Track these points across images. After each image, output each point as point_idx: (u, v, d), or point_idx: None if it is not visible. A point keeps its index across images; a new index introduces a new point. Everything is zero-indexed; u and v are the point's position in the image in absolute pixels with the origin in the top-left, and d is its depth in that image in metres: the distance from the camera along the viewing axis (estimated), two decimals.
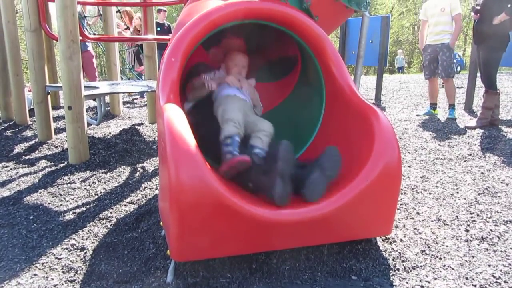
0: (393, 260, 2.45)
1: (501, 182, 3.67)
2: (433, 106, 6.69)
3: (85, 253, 2.57)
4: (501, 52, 5.44)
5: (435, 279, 2.27)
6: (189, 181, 1.98)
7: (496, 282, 2.24)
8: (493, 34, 5.36)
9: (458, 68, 18.55)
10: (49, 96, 5.00)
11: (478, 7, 5.51)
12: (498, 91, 5.66)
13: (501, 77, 10.38)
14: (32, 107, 5.85)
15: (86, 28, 6.95)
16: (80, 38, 4.19)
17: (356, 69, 3.70)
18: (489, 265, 2.39)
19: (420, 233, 2.78)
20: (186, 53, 2.53)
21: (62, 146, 4.80)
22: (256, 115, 3.02)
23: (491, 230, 2.81)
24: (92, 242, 2.70)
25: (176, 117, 2.17)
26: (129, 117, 6.63)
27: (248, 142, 2.65)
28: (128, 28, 8.59)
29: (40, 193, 3.49)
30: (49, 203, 3.29)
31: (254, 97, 3.07)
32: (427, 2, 6.56)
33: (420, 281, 2.26)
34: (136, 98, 8.71)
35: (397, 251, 2.54)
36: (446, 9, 6.10)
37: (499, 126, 5.64)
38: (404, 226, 2.89)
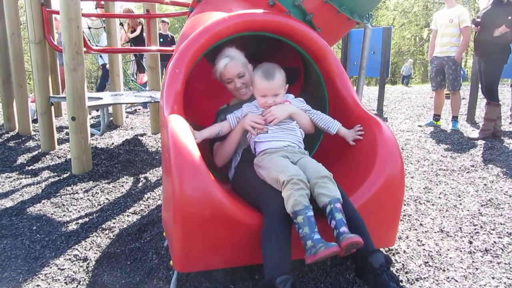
0: (396, 271, 2.44)
1: (504, 194, 3.66)
2: (436, 117, 6.71)
3: (88, 263, 2.57)
4: (502, 64, 5.46)
5: None
6: (193, 192, 1.98)
7: None
8: (494, 46, 5.39)
9: (461, 80, 18.53)
10: (52, 107, 5.03)
11: (479, 19, 5.55)
12: (499, 103, 5.67)
13: (503, 88, 10.39)
14: (35, 117, 5.89)
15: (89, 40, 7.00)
16: (85, 49, 4.23)
17: (358, 80, 3.72)
18: (493, 278, 2.38)
19: (423, 245, 2.77)
20: (190, 65, 2.55)
21: (65, 157, 4.82)
22: (301, 152, 2.47)
23: (494, 242, 2.80)
24: (95, 253, 2.70)
25: (181, 128, 2.18)
26: (132, 128, 6.65)
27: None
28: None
29: (43, 203, 3.49)
30: (52, 214, 3.29)
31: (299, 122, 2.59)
32: (438, 12, 6.61)
33: None
34: (140, 109, 8.75)
35: (400, 262, 2.53)
36: (455, 21, 6.12)
37: (502, 138, 5.64)
38: (407, 237, 2.88)
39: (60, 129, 6.24)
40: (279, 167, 2.17)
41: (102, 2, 6.73)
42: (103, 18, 6.94)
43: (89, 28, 7.38)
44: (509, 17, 5.19)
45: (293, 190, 2.00)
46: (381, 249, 2.60)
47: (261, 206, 2.15)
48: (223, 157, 2.64)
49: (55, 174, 4.26)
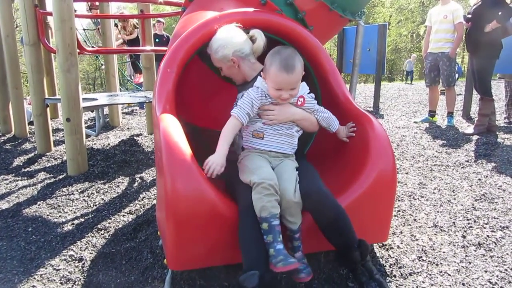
0: (390, 266, 2.46)
1: (498, 188, 3.68)
2: (432, 113, 6.73)
3: (83, 263, 2.58)
4: (494, 60, 5.50)
5: (432, 285, 2.28)
6: (185, 191, 1.99)
7: (493, 287, 2.25)
8: (485, 41, 5.43)
9: (456, 76, 18.51)
10: (47, 109, 5.03)
11: (470, 16, 5.58)
12: (493, 98, 5.70)
13: (499, 84, 10.41)
14: (31, 119, 5.89)
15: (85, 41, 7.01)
16: (78, 51, 4.24)
17: (352, 77, 3.74)
18: (485, 271, 2.40)
19: (417, 240, 2.79)
20: (182, 64, 2.56)
21: (61, 158, 4.82)
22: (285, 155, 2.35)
23: (487, 236, 2.82)
24: (90, 253, 2.71)
25: (172, 128, 2.19)
26: (128, 128, 6.66)
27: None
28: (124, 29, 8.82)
29: (39, 205, 3.50)
30: (47, 215, 3.30)
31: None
32: (433, 9, 6.64)
33: (417, 287, 2.26)
34: (136, 109, 8.76)
35: (394, 257, 2.55)
36: (449, 17, 6.15)
37: (496, 133, 5.66)
38: (401, 232, 2.90)
39: (56, 131, 6.24)
40: (254, 169, 2.15)
41: (97, 3, 6.73)
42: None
43: (84, 29, 7.38)
44: (499, 13, 5.22)
45: (262, 195, 2.02)
46: (374, 244, 2.63)
47: (237, 202, 2.16)
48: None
49: (51, 175, 4.27)
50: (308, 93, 2.40)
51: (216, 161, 2.10)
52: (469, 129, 5.85)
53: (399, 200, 3.46)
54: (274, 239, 1.99)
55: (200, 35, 2.58)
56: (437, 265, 2.48)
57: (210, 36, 2.62)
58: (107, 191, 3.79)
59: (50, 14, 4.65)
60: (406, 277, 2.36)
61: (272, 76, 2.18)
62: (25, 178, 4.22)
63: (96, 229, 3.04)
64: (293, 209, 2.10)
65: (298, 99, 2.33)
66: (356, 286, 2.25)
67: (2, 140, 5.69)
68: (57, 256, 2.67)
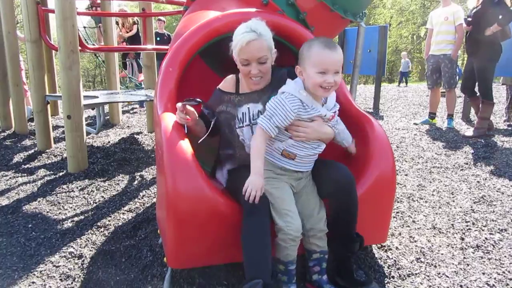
0: (388, 267, 2.47)
1: (497, 191, 3.69)
2: (432, 115, 6.74)
3: (83, 261, 2.59)
4: (494, 62, 5.53)
5: (430, 286, 2.29)
6: (185, 190, 2.00)
7: None
8: (486, 44, 5.45)
9: (457, 78, 18.27)
10: (48, 105, 5.04)
11: (470, 19, 5.60)
12: (494, 102, 5.73)
13: (499, 86, 10.44)
14: (31, 116, 5.90)
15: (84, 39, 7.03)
16: (80, 48, 4.25)
17: (352, 78, 3.75)
18: (483, 273, 2.41)
19: (415, 241, 2.80)
20: (184, 63, 2.57)
21: (61, 155, 4.83)
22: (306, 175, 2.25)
23: (486, 238, 2.83)
24: (90, 250, 2.72)
25: (174, 127, 2.20)
26: (128, 126, 6.67)
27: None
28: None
29: (39, 201, 3.51)
30: (47, 212, 3.31)
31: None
32: (434, 11, 6.68)
33: None
34: (136, 107, 8.76)
35: (392, 258, 2.56)
36: (450, 18, 6.18)
37: (496, 135, 5.67)
38: (400, 234, 2.91)
39: (56, 127, 6.25)
40: (281, 209, 2.02)
41: (98, 1, 6.74)
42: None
43: (84, 27, 7.39)
44: (500, 16, 5.25)
45: (287, 244, 2.01)
46: (373, 245, 2.64)
47: (239, 201, 2.08)
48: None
49: (51, 172, 4.28)
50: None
51: (256, 184, 1.95)
52: (468, 131, 5.86)
53: (398, 202, 3.47)
54: (289, 280, 2.06)
55: (202, 35, 2.59)
56: (435, 266, 2.49)
57: (212, 36, 2.63)
58: (107, 189, 3.79)
59: (52, 11, 4.65)
60: (404, 278, 2.37)
61: (315, 57, 1.96)
62: (25, 174, 4.23)
63: (96, 227, 3.05)
64: (322, 234, 2.15)
65: (335, 113, 2.20)
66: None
67: (2, 136, 5.69)
68: (57, 253, 2.68)
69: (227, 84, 2.42)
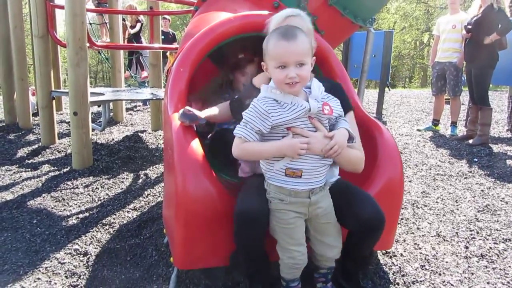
0: (393, 274, 2.47)
1: (501, 200, 3.69)
2: (435, 122, 6.75)
3: (88, 258, 2.59)
4: (491, 70, 5.66)
5: None
6: (195, 191, 2.00)
7: None
8: (483, 52, 5.54)
9: (461, 85, 18.38)
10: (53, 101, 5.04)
11: (470, 27, 5.64)
12: (491, 107, 5.79)
13: (502, 95, 10.44)
14: (35, 111, 5.90)
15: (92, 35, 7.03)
16: (88, 45, 4.25)
17: (359, 83, 3.75)
18: (488, 283, 2.41)
19: (420, 248, 2.81)
20: (194, 64, 2.56)
21: (65, 151, 4.83)
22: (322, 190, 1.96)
23: (490, 247, 2.84)
24: (95, 248, 2.72)
25: (184, 127, 2.20)
26: (131, 124, 6.67)
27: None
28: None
29: (43, 197, 3.51)
30: (52, 208, 3.31)
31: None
32: (441, 18, 6.69)
33: None
34: (139, 105, 8.76)
35: (397, 265, 2.56)
36: (457, 27, 6.20)
37: (499, 144, 5.68)
38: (404, 240, 2.91)
39: (60, 123, 6.25)
40: (287, 244, 1.92)
41: None
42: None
43: (90, 24, 7.39)
44: (499, 25, 5.33)
45: (292, 269, 1.99)
46: (378, 251, 2.64)
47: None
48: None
49: (55, 168, 4.28)
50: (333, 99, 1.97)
51: (292, 146, 1.77)
52: (472, 139, 5.87)
53: (402, 208, 3.47)
54: None
55: (213, 36, 2.59)
56: (440, 274, 2.49)
57: (223, 38, 2.63)
58: (111, 187, 3.80)
59: (61, 7, 4.66)
60: (409, 285, 2.37)
61: (271, 50, 1.77)
62: (29, 169, 4.23)
63: (100, 224, 3.05)
64: (333, 259, 2.09)
65: (324, 107, 1.86)
66: None
67: (6, 131, 5.69)
68: (62, 250, 2.68)
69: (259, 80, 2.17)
